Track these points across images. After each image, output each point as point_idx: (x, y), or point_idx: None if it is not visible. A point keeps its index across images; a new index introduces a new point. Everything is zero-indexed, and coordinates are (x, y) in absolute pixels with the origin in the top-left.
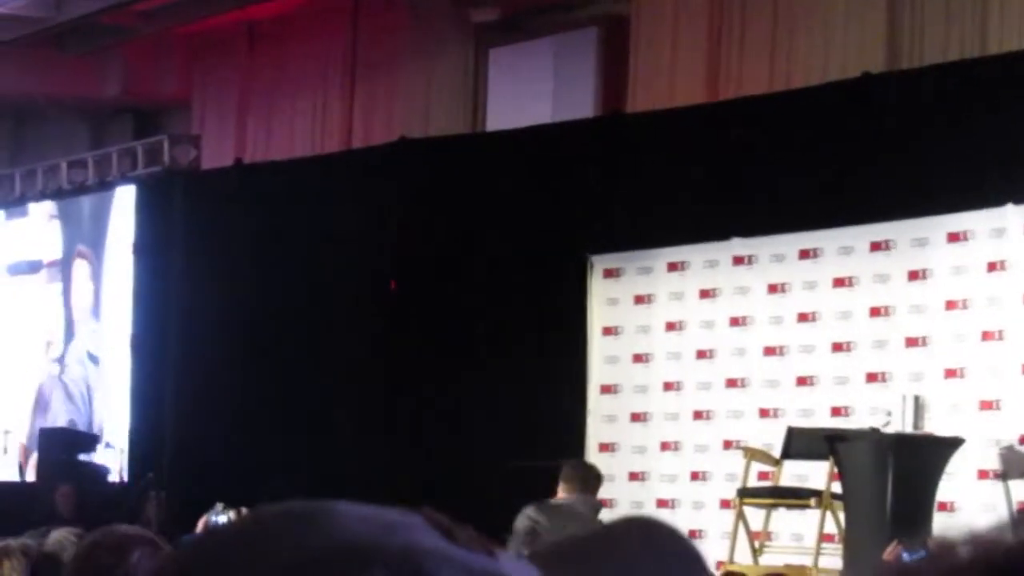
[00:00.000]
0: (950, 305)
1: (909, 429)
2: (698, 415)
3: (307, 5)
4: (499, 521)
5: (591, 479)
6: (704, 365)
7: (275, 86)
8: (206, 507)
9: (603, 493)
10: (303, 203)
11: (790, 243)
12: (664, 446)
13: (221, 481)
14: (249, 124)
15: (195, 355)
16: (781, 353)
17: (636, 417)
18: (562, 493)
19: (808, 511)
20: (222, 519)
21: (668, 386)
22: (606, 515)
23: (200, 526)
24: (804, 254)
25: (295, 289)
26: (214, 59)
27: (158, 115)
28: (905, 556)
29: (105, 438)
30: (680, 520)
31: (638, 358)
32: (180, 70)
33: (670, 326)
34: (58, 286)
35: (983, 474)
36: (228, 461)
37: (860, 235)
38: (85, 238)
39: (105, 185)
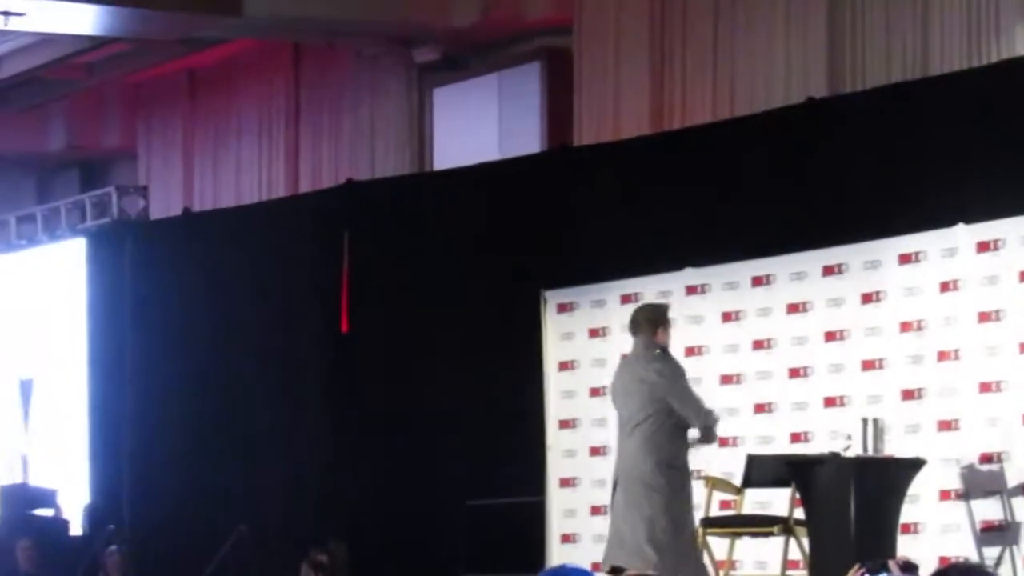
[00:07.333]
0: (904, 327)
1: (870, 452)
2: None
3: (249, 51)
4: (459, 557)
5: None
6: None
7: (220, 133)
8: (165, 559)
9: (564, 529)
10: (253, 249)
11: (743, 270)
12: None
13: (179, 534)
14: (196, 172)
15: (151, 406)
16: (738, 381)
17: (595, 451)
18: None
19: (772, 538)
20: None
21: None
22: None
23: None
24: (757, 281)
25: (247, 336)
26: (157, 108)
27: (104, 166)
28: None
29: (64, 494)
30: None
31: (595, 392)
32: (123, 120)
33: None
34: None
35: (945, 495)
36: (186, 514)
37: (812, 260)
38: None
39: (55, 238)
